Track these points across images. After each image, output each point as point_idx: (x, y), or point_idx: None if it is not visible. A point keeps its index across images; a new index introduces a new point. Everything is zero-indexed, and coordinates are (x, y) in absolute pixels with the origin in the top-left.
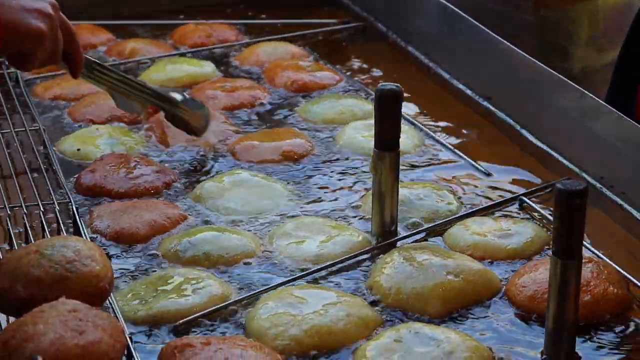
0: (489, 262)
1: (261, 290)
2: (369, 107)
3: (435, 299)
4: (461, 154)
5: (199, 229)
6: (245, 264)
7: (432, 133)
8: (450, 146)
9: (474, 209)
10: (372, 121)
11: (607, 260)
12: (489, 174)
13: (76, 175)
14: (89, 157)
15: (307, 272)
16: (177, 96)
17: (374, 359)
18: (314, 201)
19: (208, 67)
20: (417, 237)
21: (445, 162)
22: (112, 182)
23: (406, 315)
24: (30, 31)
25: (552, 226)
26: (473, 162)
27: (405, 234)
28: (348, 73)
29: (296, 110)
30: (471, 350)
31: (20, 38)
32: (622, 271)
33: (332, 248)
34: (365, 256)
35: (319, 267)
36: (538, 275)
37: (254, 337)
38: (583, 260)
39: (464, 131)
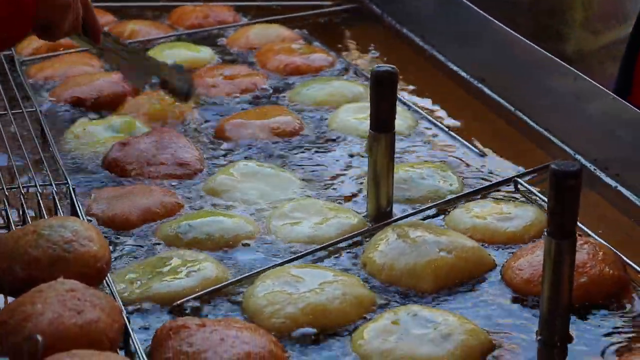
0: (488, 245)
1: (254, 273)
2: (360, 89)
3: (427, 275)
4: (455, 135)
5: (196, 213)
6: (243, 245)
7: (426, 114)
8: (444, 127)
9: (467, 191)
10: (363, 104)
11: (603, 242)
12: (483, 155)
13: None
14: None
15: (302, 253)
16: (169, 62)
17: (371, 340)
18: (325, 187)
19: (205, 52)
20: (413, 218)
21: (439, 143)
22: (129, 162)
23: (399, 292)
24: (58, 2)
25: (547, 208)
26: (467, 144)
27: (400, 215)
28: (343, 55)
29: (287, 94)
30: (468, 333)
31: (50, 9)
32: (618, 252)
33: (326, 230)
34: (359, 238)
35: (314, 248)
36: (535, 258)
37: (249, 315)
38: (579, 242)
39: (458, 113)
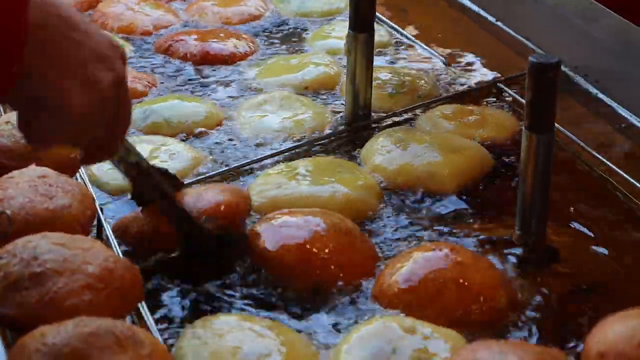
0: None
1: (243, 164)
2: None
3: (447, 175)
4: (433, 48)
5: (160, 97)
6: (206, 133)
7: (401, 29)
8: (417, 41)
9: (450, 95)
10: None
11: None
12: (470, 65)
13: None
14: None
15: (283, 150)
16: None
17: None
18: None
19: None
20: (390, 121)
21: (417, 56)
22: None
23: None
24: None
25: (525, 101)
26: (442, 56)
27: (377, 117)
28: None
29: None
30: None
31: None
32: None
33: (296, 125)
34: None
35: (294, 144)
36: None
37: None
38: None
39: (439, 26)
